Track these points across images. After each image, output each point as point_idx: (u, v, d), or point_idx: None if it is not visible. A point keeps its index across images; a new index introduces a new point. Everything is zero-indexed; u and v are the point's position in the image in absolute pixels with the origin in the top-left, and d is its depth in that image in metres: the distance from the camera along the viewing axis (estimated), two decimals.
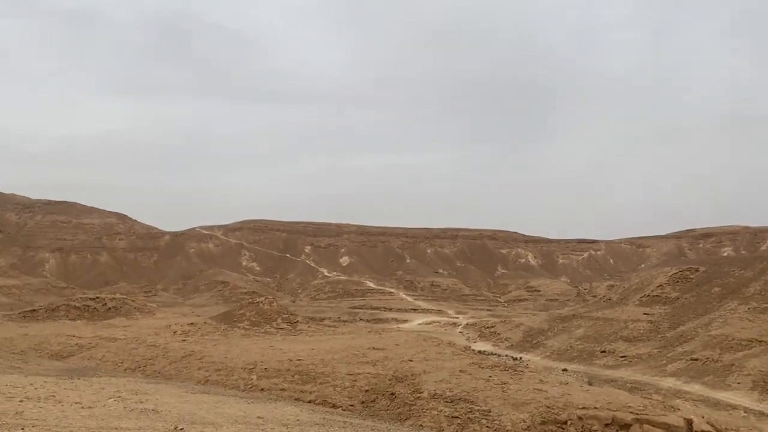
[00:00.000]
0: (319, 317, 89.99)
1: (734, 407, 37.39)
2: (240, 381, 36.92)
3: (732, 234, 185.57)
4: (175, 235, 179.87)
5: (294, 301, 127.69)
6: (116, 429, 11.78)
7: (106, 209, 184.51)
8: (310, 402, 30.84)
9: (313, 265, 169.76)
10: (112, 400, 17.69)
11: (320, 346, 46.51)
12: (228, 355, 43.30)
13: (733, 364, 45.66)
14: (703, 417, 27.24)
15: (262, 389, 34.90)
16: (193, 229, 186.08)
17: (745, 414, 35.69)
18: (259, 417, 16.54)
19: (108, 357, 47.37)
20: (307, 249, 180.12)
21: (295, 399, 31.38)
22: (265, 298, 72.35)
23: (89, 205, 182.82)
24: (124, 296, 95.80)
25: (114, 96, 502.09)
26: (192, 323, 61.56)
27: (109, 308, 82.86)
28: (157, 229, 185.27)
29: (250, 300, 73.97)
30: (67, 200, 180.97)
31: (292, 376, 36.51)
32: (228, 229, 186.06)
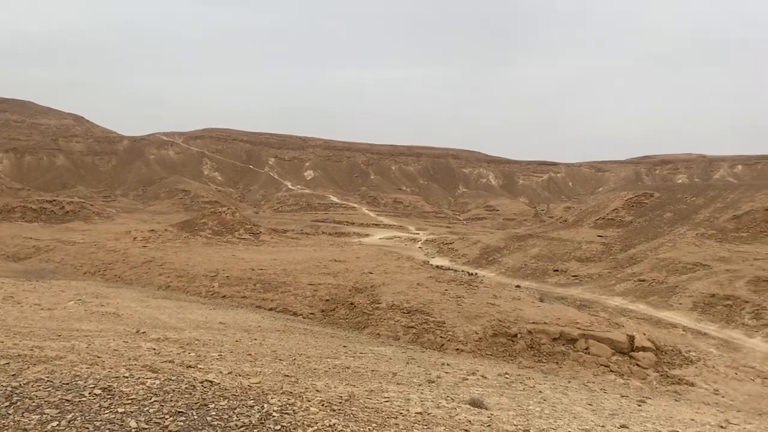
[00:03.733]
0: (281, 229, 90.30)
1: (674, 326, 39.63)
2: (201, 288, 37.23)
3: (688, 162, 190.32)
4: (135, 140, 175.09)
5: (257, 213, 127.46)
6: (77, 331, 11.90)
7: (63, 110, 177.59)
8: (271, 310, 31.45)
9: (276, 177, 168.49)
10: (72, 302, 17.75)
11: (282, 257, 46.97)
12: (189, 262, 43.39)
13: (677, 286, 48.00)
14: (644, 334, 28.82)
15: (224, 296, 35.33)
16: (153, 134, 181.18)
17: (683, 332, 37.92)
18: (221, 322, 16.87)
19: (67, 260, 47.05)
20: (271, 161, 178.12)
21: (257, 307, 31.94)
22: (228, 208, 71.95)
23: (44, 105, 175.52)
24: (83, 200, 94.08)
25: None
26: (153, 230, 61.16)
27: (67, 212, 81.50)
28: (115, 132, 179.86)
29: (213, 209, 73.45)
30: (21, 98, 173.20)
31: (254, 285, 36.96)
32: (189, 137, 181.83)
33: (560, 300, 44.95)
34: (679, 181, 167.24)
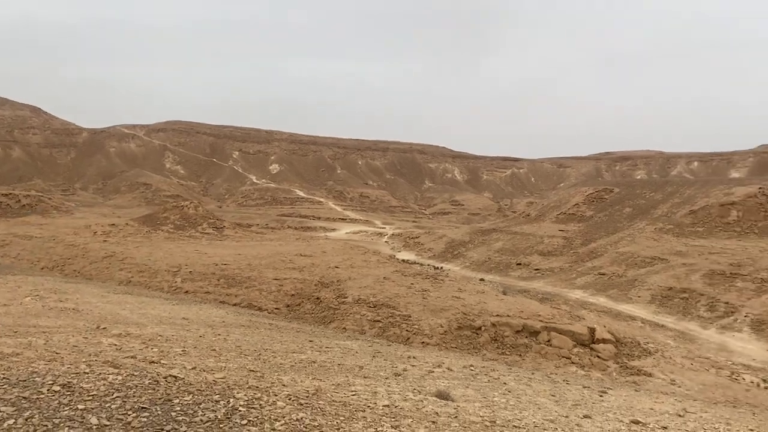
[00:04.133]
0: (246, 224, 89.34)
1: (633, 318, 40.60)
2: (164, 283, 36.63)
3: (646, 158, 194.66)
4: (94, 132, 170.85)
5: (220, 207, 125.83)
6: (34, 327, 11.57)
7: (18, 101, 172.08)
8: (235, 305, 31.14)
9: (241, 171, 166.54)
10: (29, 298, 17.27)
11: (247, 252, 46.52)
12: (151, 257, 42.66)
13: (636, 279, 49.16)
14: (604, 326, 29.45)
15: (187, 292, 34.85)
16: (114, 127, 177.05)
17: (642, 324, 38.88)
18: (184, 318, 16.63)
19: (23, 255, 45.74)
20: (235, 154, 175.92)
21: (221, 302, 31.59)
22: (191, 202, 70.92)
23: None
24: (40, 194, 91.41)
25: None
26: (113, 224, 59.93)
27: (24, 205, 79.13)
28: (74, 125, 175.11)
29: (175, 203, 72.30)
30: None
31: (218, 280, 36.54)
32: (151, 129, 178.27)
33: (523, 293, 45.61)
34: (638, 177, 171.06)
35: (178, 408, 6.58)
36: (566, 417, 8.73)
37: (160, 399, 6.75)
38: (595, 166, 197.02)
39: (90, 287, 23.68)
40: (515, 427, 7.40)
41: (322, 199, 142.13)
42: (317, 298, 32.24)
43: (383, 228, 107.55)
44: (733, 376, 27.62)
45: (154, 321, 15.21)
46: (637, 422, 9.09)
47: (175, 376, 7.58)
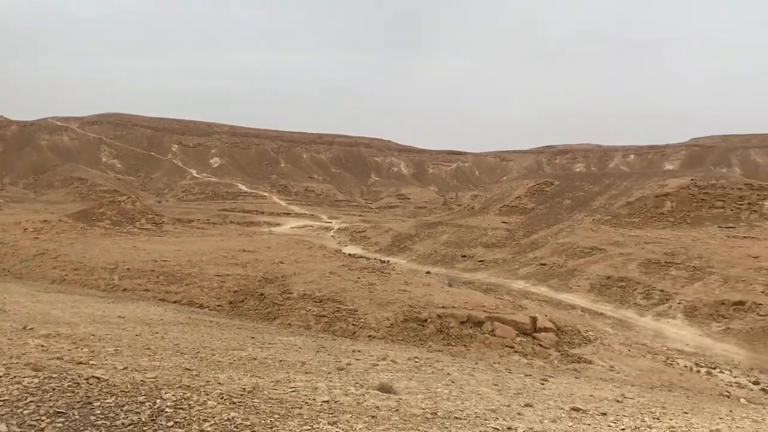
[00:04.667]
0: (186, 219, 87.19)
1: (573, 307, 41.67)
2: (100, 281, 35.29)
3: (585, 151, 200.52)
4: (24, 125, 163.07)
5: (160, 202, 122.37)
6: None
7: None
8: (175, 302, 30.26)
9: (180, 165, 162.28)
10: None
11: (187, 248, 45.33)
12: (86, 254, 41.07)
13: (575, 269, 50.48)
14: (546, 315, 30.06)
15: (125, 289, 33.66)
16: (45, 119, 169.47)
17: (582, 313, 39.96)
18: (119, 316, 15.97)
19: None
20: (174, 148, 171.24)
21: (160, 300, 30.64)
22: (128, 197, 68.67)
23: None
24: None
25: None
26: (45, 220, 57.37)
27: None
28: (2, 116, 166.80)
29: (112, 198, 69.95)
30: None
31: (157, 277, 35.44)
32: (85, 122, 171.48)
33: (468, 284, 46.17)
34: (578, 169, 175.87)
35: (99, 411, 6.17)
36: (508, 406, 8.74)
37: (78, 402, 6.32)
38: (537, 159, 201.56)
39: (19, 286, 22.53)
40: (456, 418, 7.29)
41: (265, 194, 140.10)
42: (261, 294, 31.66)
43: (329, 222, 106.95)
44: (668, 361, 28.70)
45: (88, 320, 14.54)
46: (577, 409, 9.19)
47: (98, 377, 7.12)
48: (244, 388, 7.50)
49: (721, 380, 25.69)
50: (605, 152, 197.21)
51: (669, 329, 36.94)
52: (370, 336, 25.35)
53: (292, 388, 8.06)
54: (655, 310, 40.56)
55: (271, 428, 6.24)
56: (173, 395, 6.81)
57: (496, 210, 79.77)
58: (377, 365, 11.44)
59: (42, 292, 20.78)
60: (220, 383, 7.61)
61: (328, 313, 28.06)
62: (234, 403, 6.84)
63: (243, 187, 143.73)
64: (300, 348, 13.21)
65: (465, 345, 26.11)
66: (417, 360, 13.11)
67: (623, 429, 8.14)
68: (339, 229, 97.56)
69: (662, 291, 42.47)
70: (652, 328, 37.19)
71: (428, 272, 53.23)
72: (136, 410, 6.29)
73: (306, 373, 9.51)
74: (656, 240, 53.46)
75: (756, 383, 26.12)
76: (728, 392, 21.25)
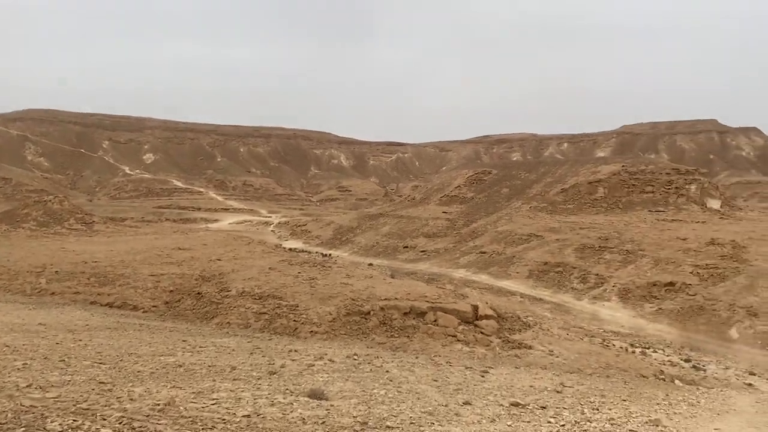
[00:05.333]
0: (120, 217, 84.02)
1: (513, 293, 42.32)
2: (26, 285, 33.43)
3: (521, 141, 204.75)
4: None
5: (91, 201, 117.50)
6: None
7: None
8: (107, 305, 28.97)
9: (112, 161, 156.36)
10: None
11: (120, 248, 43.65)
12: (11, 257, 38.96)
13: (514, 256, 51.33)
14: (487, 303, 30.27)
15: (53, 293, 32.00)
16: None
17: (522, 299, 40.63)
18: (40, 323, 14.98)
19: None
20: (105, 144, 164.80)
21: (91, 302, 29.29)
22: (55, 197, 65.72)
23: None
24: None
25: None
26: None
27: None
28: None
29: (37, 198, 66.82)
30: None
31: (88, 279, 33.87)
32: (7, 119, 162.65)
33: (410, 275, 46.21)
34: (515, 158, 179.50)
35: None
36: (446, 406, 8.51)
37: None
38: (475, 149, 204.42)
39: None
40: (389, 427, 6.92)
41: (202, 189, 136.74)
42: (198, 293, 30.66)
43: (269, 217, 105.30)
44: (605, 343, 29.42)
45: (5, 329, 13.56)
46: (516, 404, 9.08)
47: None
48: (156, 405, 6.84)
49: (655, 359, 26.52)
50: (540, 141, 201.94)
51: (605, 312, 37.95)
52: (312, 331, 24.89)
53: (213, 400, 7.47)
54: (591, 294, 41.62)
55: None
56: (59, 424, 5.93)
57: (437, 200, 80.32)
58: (313, 366, 11.03)
59: None
60: (131, 399, 6.95)
61: (269, 310, 27.40)
62: (133, 429, 6.05)
63: (178, 183, 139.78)
64: (233, 350, 12.66)
65: (408, 336, 25.98)
66: (356, 357, 12.76)
67: (563, 425, 8.01)
68: (279, 223, 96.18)
69: (597, 275, 43.62)
70: (589, 311, 38.14)
71: (371, 264, 53.02)
72: None
73: (234, 380, 8.98)
74: (590, 225, 54.95)
75: (687, 360, 27.10)
76: (662, 372, 21.88)
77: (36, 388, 7.14)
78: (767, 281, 35.21)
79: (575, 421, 8.28)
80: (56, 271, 35.17)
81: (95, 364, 9.39)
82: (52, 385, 7.35)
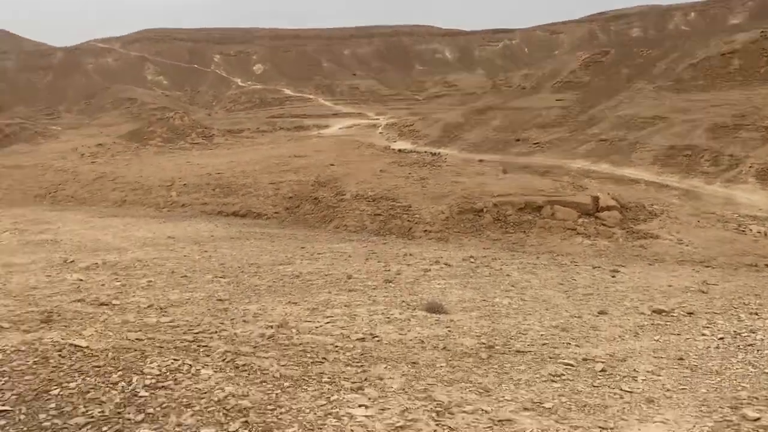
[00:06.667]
0: (237, 129, 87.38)
1: (636, 181, 40.03)
2: (159, 199, 35.98)
3: (642, 14, 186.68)
4: (69, 51, 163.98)
5: (209, 114, 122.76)
6: (5, 266, 10.79)
7: None
8: (233, 213, 30.65)
9: (224, 75, 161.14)
10: (7, 233, 16.50)
11: (240, 158, 45.49)
12: (143, 174, 41.83)
13: (637, 142, 48.19)
14: (608, 193, 28.82)
15: (183, 205, 34.24)
16: (88, 43, 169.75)
17: (646, 187, 38.36)
18: (169, 237, 15.87)
19: (14, 186, 44.84)
20: (216, 58, 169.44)
21: (218, 212, 31.09)
22: (176, 113, 69.08)
23: None
24: (23, 121, 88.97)
25: None
26: (100, 144, 58.55)
27: (7, 135, 77.23)
28: (47, 45, 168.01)
29: (160, 116, 70.58)
30: None
31: (213, 190, 35.81)
32: (126, 42, 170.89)
33: (524, 169, 44.80)
34: (634, 35, 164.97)
35: (53, 404, 4.65)
36: (579, 317, 7.69)
37: (35, 391, 4.84)
38: (589, 28, 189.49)
39: (74, 213, 22.94)
40: (518, 352, 6.10)
41: (311, 96, 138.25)
42: (315, 198, 31.57)
43: (377, 119, 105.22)
44: (740, 228, 27.28)
45: (137, 244, 14.46)
46: (659, 311, 8.03)
47: (76, 346, 5.74)
48: (269, 327, 6.53)
49: None
50: (664, 13, 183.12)
51: (740, 195, 35.11)
52: (426, 231, 24.97)
53: (327, 318, 7.15)
54: (724, 177, 38.50)
55: (273, 410, 4.78)
56: (158, 366, 5.41)
57: (549, 87, 76.25)
58: (429, 271, 10.76)
59: (96, 218, 21.05)
60: (244, 321, 6.77)
61: (383, 211, 27.78)
62: (236, 367, 5.51)
63: (288, 92, 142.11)
64: (350, 256, 12.70)
65: (524, 232, 25.41)
66: (473, 260, 12.37)
67: (722, 338, 6.74)
68: (387, 124, 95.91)
69: (731, 156, 40.11)
70: (722, 196, 35.43)
71: (481, 160, 51.86)
72: (102, 398, 4.81)
73: (349, 291, 8.81)
74: (724, 102, 50.00)
75: None
76: None
77: (156, 309, 7.28)
78: None
79: (735, 332, 7.03)
80: (184, 184, 37.43)
81: (216, 279, 9.64)
82: (172, 304, 7.44)
